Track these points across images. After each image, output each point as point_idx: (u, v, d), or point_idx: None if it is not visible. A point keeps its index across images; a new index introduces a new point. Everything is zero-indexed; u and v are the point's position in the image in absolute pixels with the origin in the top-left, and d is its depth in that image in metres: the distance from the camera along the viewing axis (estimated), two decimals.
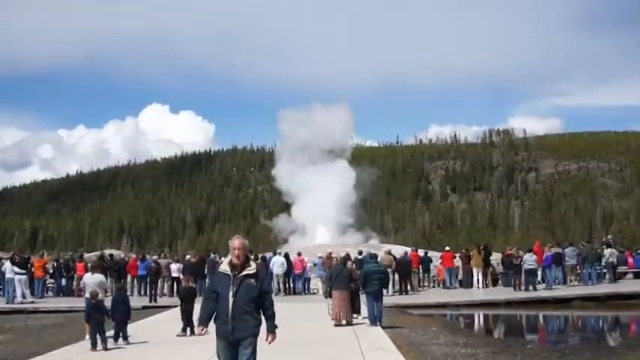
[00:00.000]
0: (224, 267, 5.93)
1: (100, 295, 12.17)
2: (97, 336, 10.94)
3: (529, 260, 23.05)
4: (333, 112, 58.56)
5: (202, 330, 5.93)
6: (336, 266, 15.86)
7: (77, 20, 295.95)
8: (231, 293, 5.73)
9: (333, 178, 53.98)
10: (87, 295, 12.35)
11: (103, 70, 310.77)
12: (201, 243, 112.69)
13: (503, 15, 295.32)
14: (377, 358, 9.73)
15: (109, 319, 11.31)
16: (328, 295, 15.09)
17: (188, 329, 12.53)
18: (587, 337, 15.53)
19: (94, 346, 10.89)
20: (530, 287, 22.64)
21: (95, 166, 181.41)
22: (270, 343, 5.96)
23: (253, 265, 5.95)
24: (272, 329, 5.96)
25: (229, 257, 5.95)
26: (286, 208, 58.91)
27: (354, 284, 14.75)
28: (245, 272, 5.82)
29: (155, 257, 27.13)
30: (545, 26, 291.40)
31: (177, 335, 12.52)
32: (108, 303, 12.18)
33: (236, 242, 5.90)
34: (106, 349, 10.90)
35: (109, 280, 22.46)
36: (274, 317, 5.96)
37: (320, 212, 52.55)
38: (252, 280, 5.83)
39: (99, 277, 13.33)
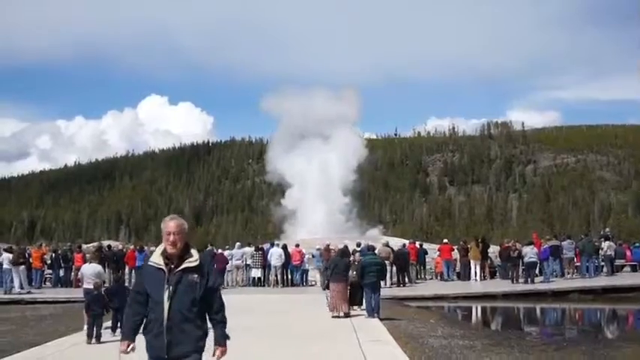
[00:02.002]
0: (155, 258, 4.44)
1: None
2: (94, 328, 10.90)
3: (530, 253, 23.06)
4: (338, 97, 56.60)
5: (128, 347, 4.51)
6: (333, 258, 15.83)
7: (76, 11, 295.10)
8: (166, 295, 4.29)
9: (336, 149, 52.61)
10: (85, 285, 12.34)
11: (102, 61, 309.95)
12: (199, 235, 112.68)
13: (502, 8, 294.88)
14: (375, 350, 9.72)
15: (107, 312, 11.26)
16: (326, 287, 15.07)
17: None
18: (585, 330, 15.58)
19: (89, 337, 10.84)
20: (529, 280, 22.67)
21: (93, 157, 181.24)
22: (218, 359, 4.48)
23: (195, 254, 4.46)
24: (222, 340, 4.48)
25: (162, 246, 4.46)
26: (283, 196, 57.48)
27: (354, 275, 14.72)
28: (185, 265, 4.37)
29: (153, 248, 27.08)
30: (544, 20, 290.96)
31: None
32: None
33: (171, 224, 4.42)
34: (99, 342, 10.83)
35: (107, 271, 22.51)
36: (225, 324, 4.53)
37: (319, 191, 51.12)
38: (195, 276, 4.37)
39: (96, 267, 13.34)
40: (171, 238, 4.37)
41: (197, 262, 4.41)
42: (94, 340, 10.81)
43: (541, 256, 23.82)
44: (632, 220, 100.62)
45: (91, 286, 11.79)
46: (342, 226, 51.08)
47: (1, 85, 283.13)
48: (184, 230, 4.45)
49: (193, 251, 4.48)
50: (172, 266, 4.36)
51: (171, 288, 4.30)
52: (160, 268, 4.38)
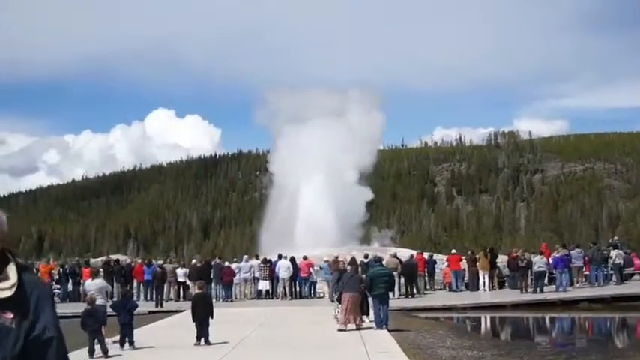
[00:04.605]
0: None
1: (101, 301, 12.00)
2: (95, 344, 10.76)
3: (539, 262, 22.98)
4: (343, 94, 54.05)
5: None
6: (348, 272, 15.63)
7: (83, 26, 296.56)
8: None
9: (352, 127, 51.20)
10: None
11: (109, 76, 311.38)
12: (207, 247, 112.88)
13: (507, 16, 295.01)
14: None
15: (105, 326, 11.07)
16: (337, 299, 14.94)
17: (202, 339, 11.76)
18: (595, 339, 15.50)
19: (91, 354, 10.69)
20: (538, 289, 22.58)
21: (101, 171, 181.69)
22: None
23: (12, 274, 2.12)
24: None
25: None
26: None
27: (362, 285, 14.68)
28: None
29: (161, 262, 27.17)
30: (550, 27, 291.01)
31: (194, 344, 11.84)
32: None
33: None
34: (106, 356, 10.76)
35: (115, 285, 22.60)
36: None
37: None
38: (8, 316, 2.05)
39: (100, 282, 13.33)
40: None
41: (13, 290, 2.11)
42: (98, 355, 10.73)
43: (553, 266, 23.73)
44: None
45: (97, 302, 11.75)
46: (352, 232, 49.88)
47: (8, 100, 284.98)
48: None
49: (11, 269, 2.16)
50: None
51: None
52: None
